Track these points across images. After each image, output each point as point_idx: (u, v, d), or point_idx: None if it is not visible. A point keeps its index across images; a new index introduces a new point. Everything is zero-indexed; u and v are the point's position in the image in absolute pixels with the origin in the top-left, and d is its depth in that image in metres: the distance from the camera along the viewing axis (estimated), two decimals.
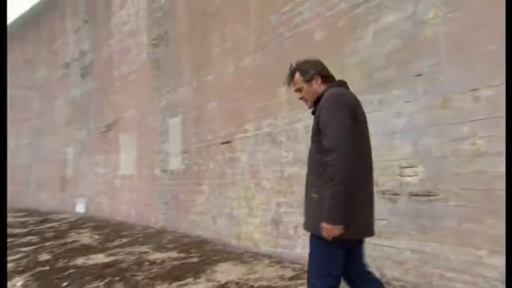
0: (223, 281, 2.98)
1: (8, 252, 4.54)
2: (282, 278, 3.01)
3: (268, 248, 3.82)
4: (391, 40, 2.79)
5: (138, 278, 3.19)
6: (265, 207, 3.91)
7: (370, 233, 1.64)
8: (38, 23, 10.91)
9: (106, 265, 3.65)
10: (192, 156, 5.17)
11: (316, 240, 1.58)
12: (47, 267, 3.68)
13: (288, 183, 3.62)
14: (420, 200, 2.54)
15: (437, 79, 2.50)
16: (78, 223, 6.90)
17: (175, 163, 5.54)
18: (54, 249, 4.60)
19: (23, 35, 11.67)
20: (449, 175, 2.40)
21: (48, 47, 10.36)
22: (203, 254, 3.92)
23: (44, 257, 4.18)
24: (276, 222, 3.75)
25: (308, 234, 1.67)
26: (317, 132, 1.62)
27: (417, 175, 2.57)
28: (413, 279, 2.55)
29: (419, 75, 2.59)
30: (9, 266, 3.84)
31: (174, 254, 4.00)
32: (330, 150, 1.50)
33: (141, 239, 5.03)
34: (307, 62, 1.78)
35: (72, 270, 3.52)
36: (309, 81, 1.74)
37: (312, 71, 1.74)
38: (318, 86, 1.74)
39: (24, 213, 9.13)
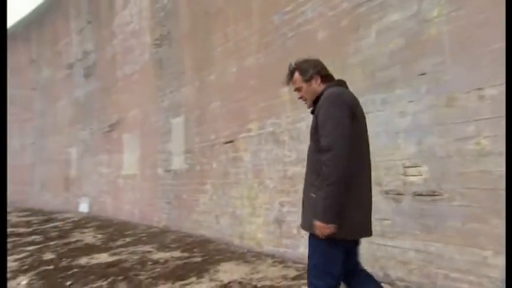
0: (226, 281, 2.99)
1: (13, 251, 4.57)
2: (285, 277, 3.01)
3: (271, 247, 3.82)
4: (394, 39, 2.77)
5: (141, 277, 3.20)
6: (268, 207, 3.90)
7: (367, 233, 1.64)
8: (42, 24, 10.97)
9: (109, 264, 3.67)
10: (195, 156, 5.18)
11: (316, 240, 1.58)
12: (51, 266, 3.70)
13: (291, 182, 3.62)
14: (424, 200, 2.53)
15: (441, 78, 2.48)
16: (82, 223, 6.93)
17: (178, 163, 5.55)
18: (58, 248, 4.63)
19: (27, 36, 11.74)
20: (453, 175, 2.39)
21: (51, 47, 10.41)
22: (206, 254, 3.93)
23: (48, 256, 4.20)
24: (279, 221, 3.75)
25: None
26: (316, 131, 1.62)
27: (421, 175, 2.56)
28: (418, 279, 2.54)
29: (423, 74, 2.58)
30: (14, 265, 3.87)
31: (177, 254, 4.01)
32: (327, 150, 1.51)
33: (144, 238, 5.05)
34: (307, 62, 1.78)
35: (76, 270, 3.53)
36: (308, 80, 1.74)
37: (311, 70, 1.74)
38: (317, 85, 1.74)
39: (28, 213, 9.19)
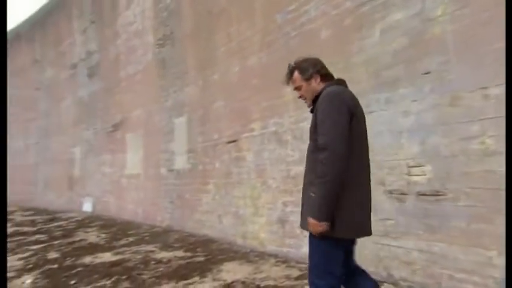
0: (229, 280, 2.99)
1: (17, 250, 4.61)
2: (288, 277, 3.00)
3: (274, 247, 3.82)
4: (398, 38, 2.76)
5: (144, 276, 3.21)
6: (271, 207, 3.90)
7: (367, 232, 1.63)
8: (45, 24, 11.03)
9: (113, 264, 3.68)
10: (198, 156, 5.19)
11: (317, 239, 1.58)
12: (55, 265, 3.73)
13: (294, 182, 3.61)
14: (428, 200, 2.52)
15: (445, 77, 2.47)
16: (86, 222, 6.96)
17: (181, 162, 5.56)
18: (62, 247, 4.66)
19: (31, 36, 11.81)
20: (458, 174, 2.37)
21: (55, 47, 10.47)
22: (209, 253, 3.93)
23: (53, 255, 4.23)
24: (282, 221, 3.74)
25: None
26: (315, 130, 1.62)
27: (425, 174, 2.54)
28: (422, 279, 2.53)
29: (427, 73, 2.57)
30: (19, 263, 3.89)
31: (180, 253, 4.02)
32: (323, 148, 1.51)
33: (147, 238, 5.06)
34: (306, 61, 1.78)
35: (80, 269, 3.55)
36: (308, 79, 1.74)
37: (310, 69, 1.74)
38: (316, 84, 1.74)
39: (33, 212, 9.25)
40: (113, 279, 3.18)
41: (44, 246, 4.77)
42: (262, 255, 3.74)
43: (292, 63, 1.80)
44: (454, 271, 2.36)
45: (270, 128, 3.95)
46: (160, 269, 3.43)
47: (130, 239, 5.03)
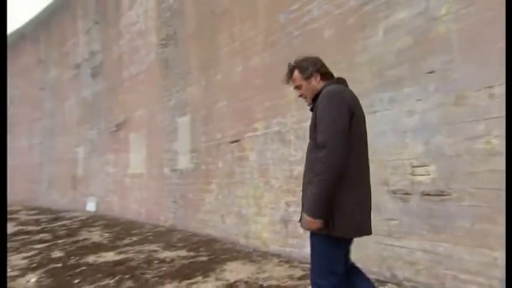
0: (232, 280, 2.99)
1: (22, 249, 4.64)
2: (291, 277, 3.00)
3: (277, 247, 3.81)
4: (402, 37, 2.75)
5: (147, 276, 3.21)
6: (274, 206, 3.90)
7: (366, 231, 1.63)
8: (50, 25, 11.10)
9: (116, 263, 3.70)
10: (201, 155, 5.19)
11: (318, 239, 1.58)
12: (59, 264, 3.75)
13: (296, 182, 3.60)
14: (432, 200, 2.50)
15: (450, 76, 2.45)
16: (89, 221, 7.00)
17: (184, 162, 5.57)
18: (66, 246, 4.68)
19: (36, 37, 11.89)
20: (462, 174, 2.35)
21: (59, 48, 10.53)
22: (212, 253, 3.93)
23: (57, 254, 4.25)
24: (285, 221, 3.74)
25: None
26: (314, 128, 1.62)
27: (429, 174, 2.53)
28: (426, 280, 2.51)
29: (431, 72, 2.55)
30: (23, 262, 3.92)
31: (183, 253, 4.02)
32: (322, 146, 1.51)
33: (150, 237, 5.08)
34: (306, 60, 1.78)
35: (83, 268, 3.57)
36: (308, 78, 1.74)
37: (310, 68, 1.74)
38: (316, 83, 1.74)
39: (37, 211, 9.31)
40: (116, 278, 3.19)
41: (48, 245, 4.80)
42: (265, 255, 3.74)
43: (292, 62, 1.80)
44: (459, 272, 2.34)
45: (273, 128, 3.95)
46: (164, 268, 3.44)
47: (134, 238, 5.04)
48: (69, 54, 9.96)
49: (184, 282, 3.00)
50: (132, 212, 6.99)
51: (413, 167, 2.63)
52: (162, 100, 6.17)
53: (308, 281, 2.82)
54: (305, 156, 1.73)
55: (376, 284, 2.68)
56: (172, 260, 3.71)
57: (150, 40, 6.61)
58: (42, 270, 3.56)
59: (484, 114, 2.26)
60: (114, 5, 7.88)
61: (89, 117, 8.86)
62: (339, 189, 1.51)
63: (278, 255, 3.68)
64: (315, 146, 1.59)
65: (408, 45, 2.70)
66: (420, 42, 2.63)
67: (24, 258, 4.13)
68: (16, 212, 9.51)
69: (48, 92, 11.05)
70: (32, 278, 3.34)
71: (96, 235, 5.46)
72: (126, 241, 4.87)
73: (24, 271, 3.57)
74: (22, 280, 3.29)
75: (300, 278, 2.95)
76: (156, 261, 3.70)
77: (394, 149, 2.73)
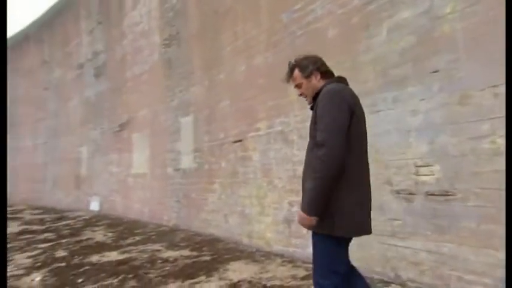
0: (235, 280, 2.99)
1: (26, 248, 4.67)
2: (294, 277, 2.99)
3: (280, 247, 3.81)
4: (406, 36, 2.73)
5: (151, 275, 3.22)
6: (277, 206, 3.89)
7: (366, 231, 1.62)
8: (53, 25, 11.16)
9: (120, 262, 3.71)
10: (204, 155, 5.20)
11: (319, 239, 1.58)
12: (63, 264, 3.77)
13: (299, 182, 3.56)
14: (437, 200, 2.48)
15: (455, 75, 2.43)
16: (93, 221, 7.03)
17: (187, 162, 5.58)
18: (70, 246, 4.70)
19: (40, 37, 11.95)
20: (467, 174, 2.34)
21: (62, 48, 10.58)
22: (215, 253, 3.93)
23: (61, 253, 4.27)
24: (288, 221, 3.73)
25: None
26: (314, 127, 1.61)
27: (433, 174, 2.51)
28: (430, 280, 2.49)
29: (435, 71, 2.53)
30: (28, 261, 3.94)
31: (186, 252, 4.03)
32: (322, 144, 1.50)
33: (154, 237, 5.09)
34: (306, 58, 1.77)
35: (87, 267, 3.58)
36: (308, 77, 1.74)
37: (311, 66, 1.73)
38: (317, 81, 1.73)
39: (41, 211, 9.37)
40: (119, 277, 3.20)
41: (52, 245, 4.82)
42: (268, 255, 3.74)
43: (293, 61, 1.80)
44: (464, 272, 2.32)
45: (276, 128, 3.94)
46: (167, 268, 3.44)
47: (137, 238, 5.06)
48: (72, 54, 10.01)
49: (188, 282, 3.00)
50: (136, 211, 7.01)
51: (417, 166, 2.61)
52: (165, 100, 6.18)
53: (311, 281, 2.81)
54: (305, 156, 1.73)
55: (380, 285, 2.68)
56: (176, 260, 3.72)
57: (153, 40, 6.63)
58: (46, 269, 3.58)
59: (489, 114, 2.24)
60: (117, 5, 7.90)
61: (92, 117, 8.90)
62: (339, 189, 1.51)
63: (281, 255, 3.68)
64: (314, 145, 1.59)
65: (412, 45, 2.69)
66: (424, 41, 2.61)
67: (29, 257, 4.16)
68: (21, 211, 9.57)
69: (52, 92, 11.12)
70: (37, 277, 3.36)
71: (99, 234, 5.48)
72: (129, 240, 4.88)
73: (29, 270, 3.59)
74: (27, 279, 3.31)
75: (303, 278, 2.95)
76: (159, 261, 3.71)
77: (397, 149, 2.72)
